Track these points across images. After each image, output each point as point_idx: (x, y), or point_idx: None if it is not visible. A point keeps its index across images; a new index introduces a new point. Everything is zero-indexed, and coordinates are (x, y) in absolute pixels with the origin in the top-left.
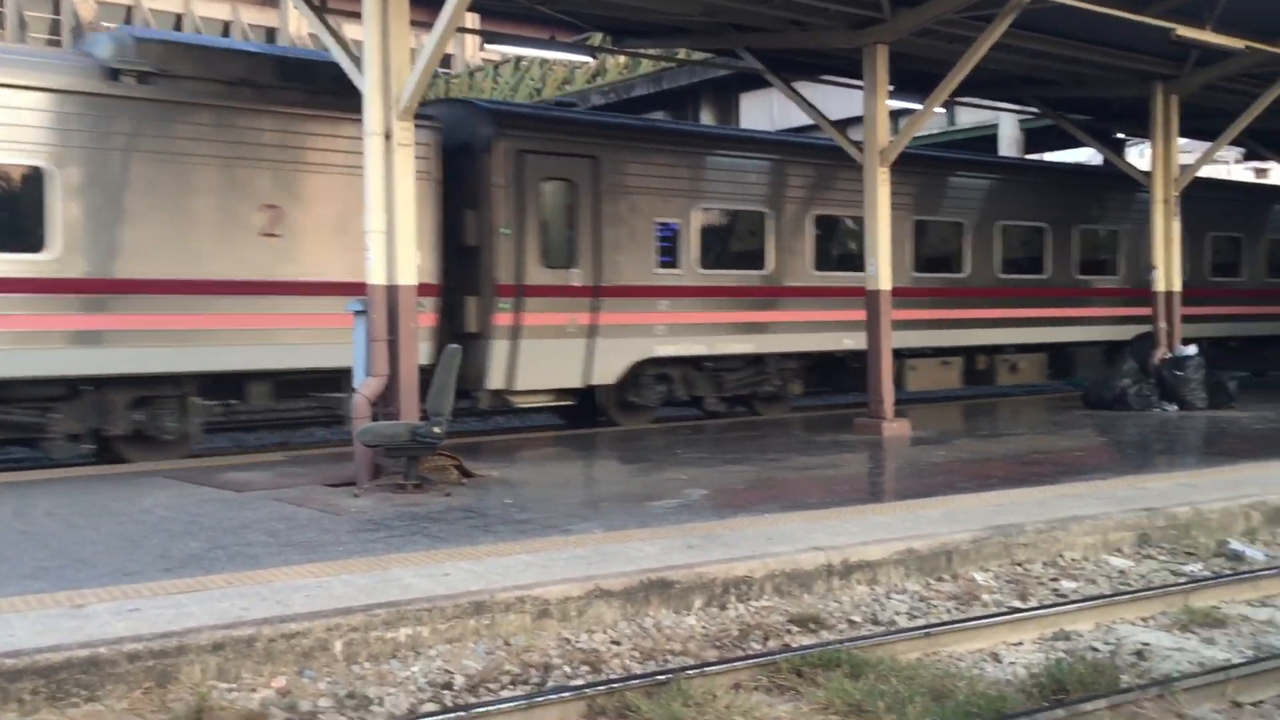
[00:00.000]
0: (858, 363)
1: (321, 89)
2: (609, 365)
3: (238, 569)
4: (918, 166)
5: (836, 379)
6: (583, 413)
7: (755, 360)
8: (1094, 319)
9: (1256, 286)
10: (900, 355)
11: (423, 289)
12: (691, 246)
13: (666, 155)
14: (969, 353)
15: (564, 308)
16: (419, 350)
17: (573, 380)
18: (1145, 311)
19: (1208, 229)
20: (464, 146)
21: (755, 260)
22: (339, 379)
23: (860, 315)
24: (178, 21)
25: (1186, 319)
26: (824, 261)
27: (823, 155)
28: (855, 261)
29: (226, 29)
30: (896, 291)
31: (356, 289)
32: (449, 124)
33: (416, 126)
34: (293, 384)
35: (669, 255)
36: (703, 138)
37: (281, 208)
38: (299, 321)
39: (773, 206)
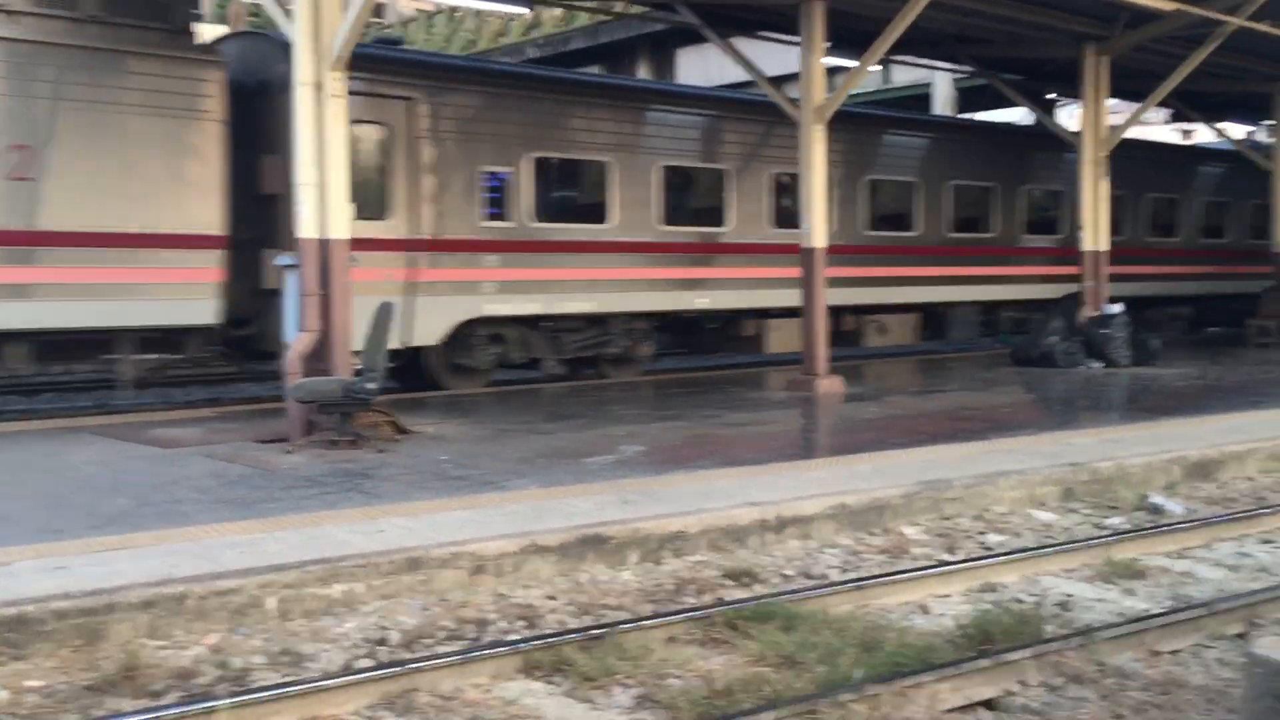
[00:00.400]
0: (713, 323)
1: (85, 14)
2: (431, 325)
3: (167, 526)
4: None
5: (696, 341)
6: (410, 376)
7: (598, 320)
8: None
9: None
10: (769, 315)
11: (208, 240)
12: (524, 198)
13: (494, 99)
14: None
15: (377, 263)
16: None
17: (389, 341)
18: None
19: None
20: (262, 85)
21: (596, 213)
22: (111, 341)
23: (716, 272)
24: None
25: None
26: (675, 216)
27: (674, 102)
28: (711, 216)
29: None
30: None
31: (134, 240)
32: (242, 59)
33: (197, 61)
34: (59, 346)
35: (498, 207)
36: (535, 81)
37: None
38: (56, 276)
39: (616, 156)
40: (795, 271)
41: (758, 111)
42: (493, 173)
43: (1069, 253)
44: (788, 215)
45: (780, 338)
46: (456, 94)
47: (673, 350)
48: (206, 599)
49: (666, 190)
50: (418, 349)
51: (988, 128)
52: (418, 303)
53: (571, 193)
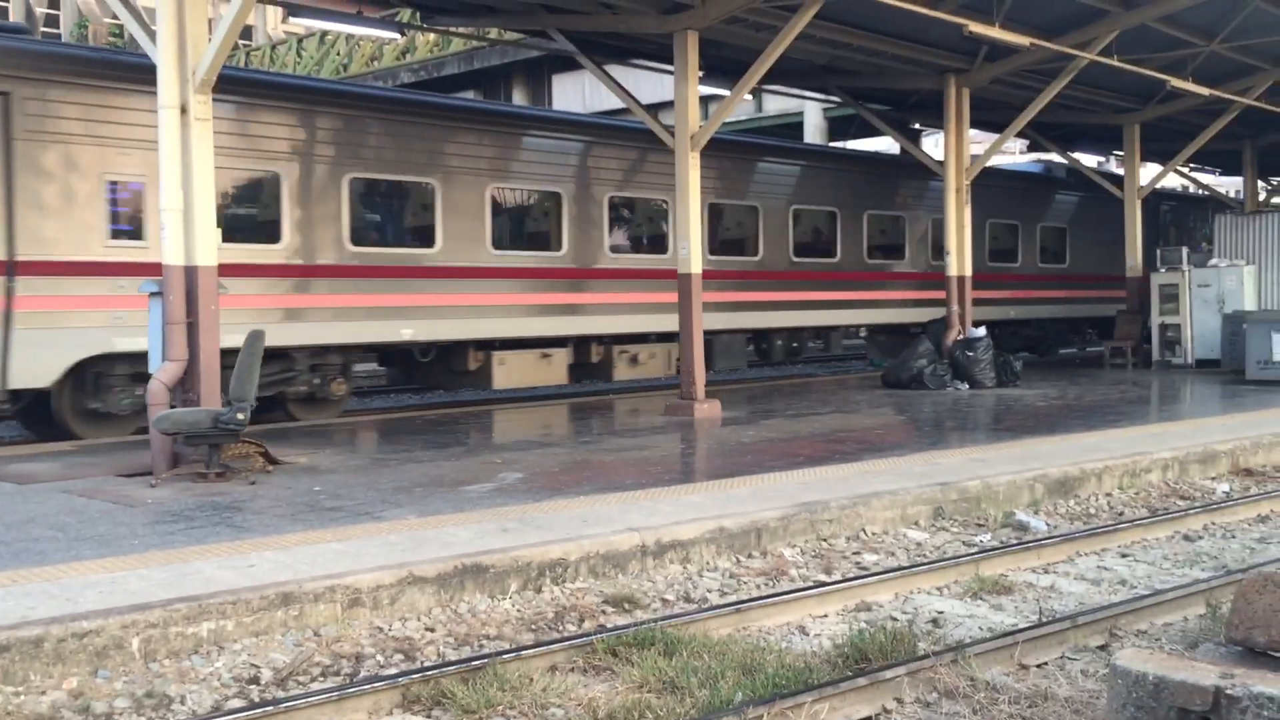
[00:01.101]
0: (426, 356)
1: None
2: (37, 364)
3: (22, 565)
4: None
5: (411, 373)
6: (40, 421)
7: (279, 355)
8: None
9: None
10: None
11: None
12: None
13: (122, 97)
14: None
15: None
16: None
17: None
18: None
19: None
20: None
21: (267, 232)
22: None
23: (427, 299)
24: None
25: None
26: (369, 236)
27: (357, 105)
28: (419, 236)
29: None
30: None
31: None
32: None
33: None
34: None
35: (130, 224)
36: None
37: None
38: None
39: (288, 168)
40: (527, 297)
41: (458, 118)
42: (122, 182)
43: (841, 276)
44: (522, 236)
45: (509, 372)
46: (69, 89)
47: (389, 389)
48: (65, 641)
49: (354, 206)
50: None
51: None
52: (14, 336)
53: (233, 206)
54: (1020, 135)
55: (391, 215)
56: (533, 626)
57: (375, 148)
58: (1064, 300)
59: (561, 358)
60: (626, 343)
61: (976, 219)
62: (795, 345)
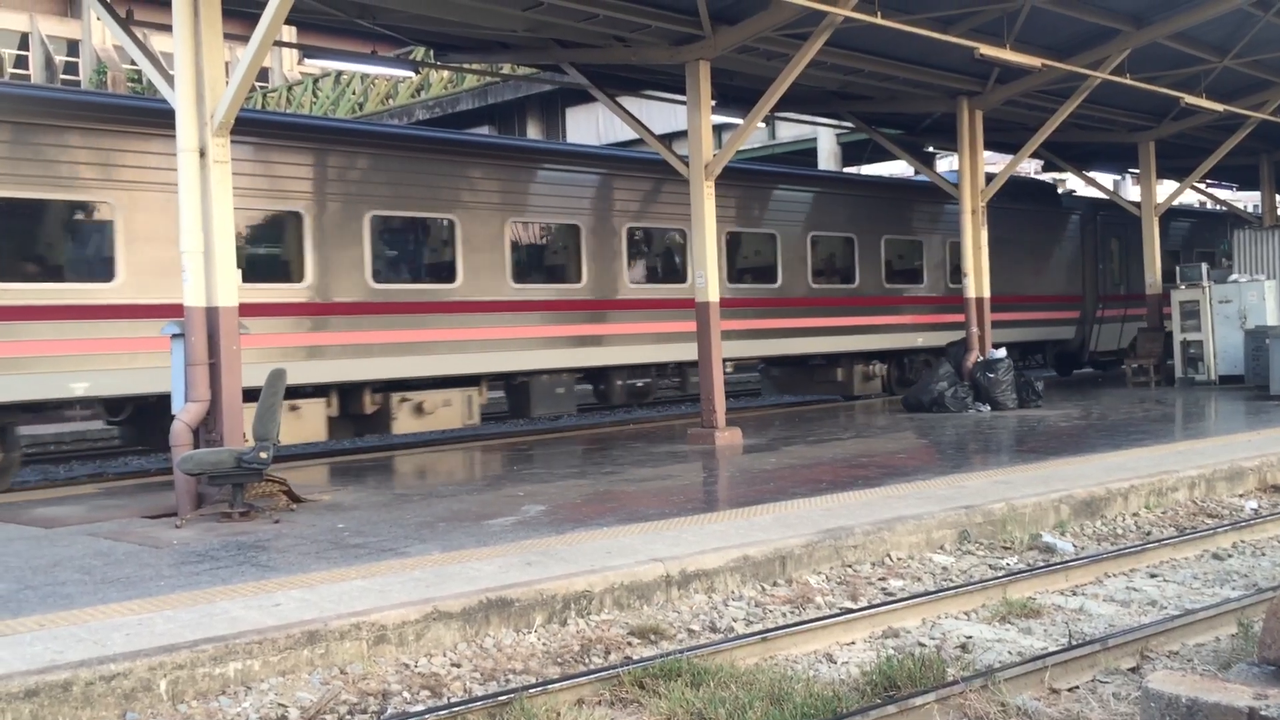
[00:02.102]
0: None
1: None
2: None
3: (50, 610)
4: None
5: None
6: None
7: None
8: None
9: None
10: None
11: None
12: None
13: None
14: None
15: None
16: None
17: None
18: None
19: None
20: None
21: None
22: None
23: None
24: None
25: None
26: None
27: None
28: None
29: (24, 40)
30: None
31: None
32: None
33: None
34: None
35: None
36: None
37: None
38: None
39: (117, 194)
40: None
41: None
42: None
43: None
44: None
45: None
46: None
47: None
48: (94, 685)
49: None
50: None
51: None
52: None
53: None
54: (1034, 155)
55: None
56: (559, 660)
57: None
58: (1012, 324)
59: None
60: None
61: (872, 238)
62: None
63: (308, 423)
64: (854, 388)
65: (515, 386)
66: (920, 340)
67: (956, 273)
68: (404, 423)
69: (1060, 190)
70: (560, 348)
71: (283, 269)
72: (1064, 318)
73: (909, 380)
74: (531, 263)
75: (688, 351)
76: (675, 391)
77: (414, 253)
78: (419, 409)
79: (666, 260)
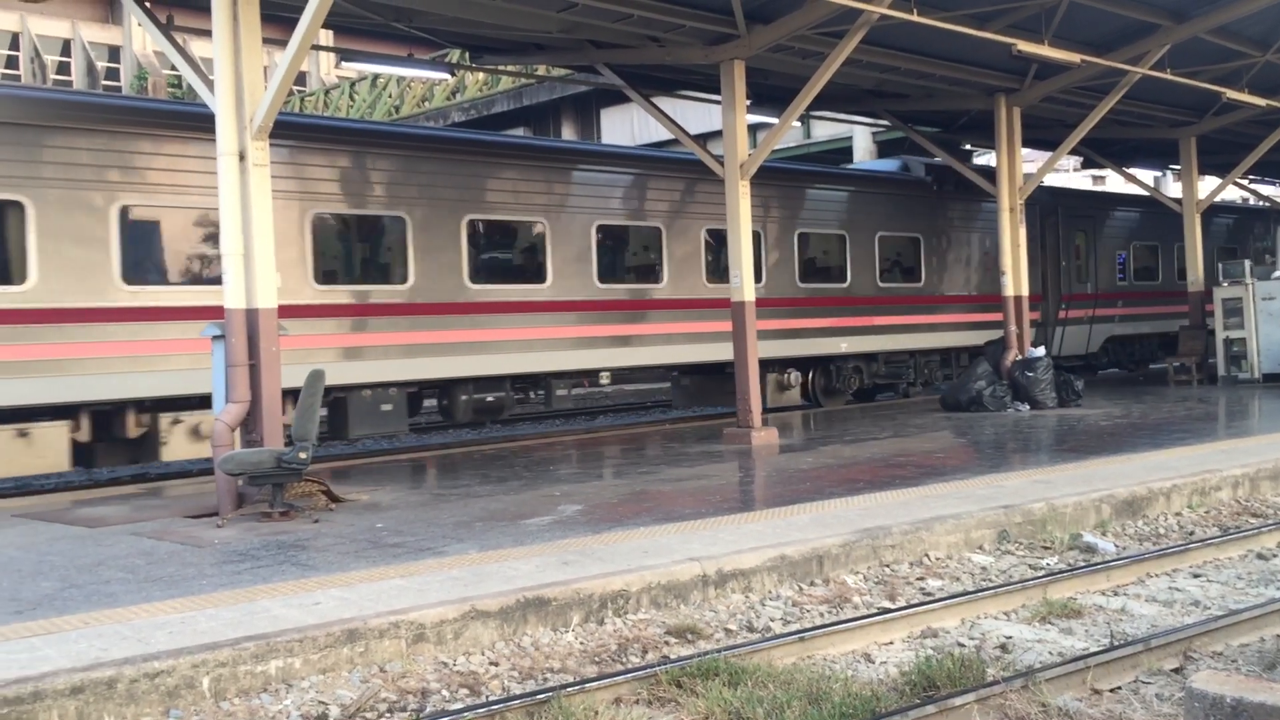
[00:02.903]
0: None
1: None
2: None
3: (95, 608)
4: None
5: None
6: None
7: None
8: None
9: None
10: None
11: None
12: None
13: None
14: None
15: None
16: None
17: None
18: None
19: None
20: None
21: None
22: None
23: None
24: (14, 40)
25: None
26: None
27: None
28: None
29: (66, 46)
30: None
31: None
32: None
33: None
34: None
35: None
36: None
37: None
38: None
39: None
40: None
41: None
42: None
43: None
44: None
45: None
46: None
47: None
48: (138, 682)
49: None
50: None
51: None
52: None
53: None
54: (1074, 152)
55: None
56: (596, 659)
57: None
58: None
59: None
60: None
61: (782, 231)
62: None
63: (41, 451)
64: (765, 398)
65: (331, 404)
66: (845, 345)
67: (896, 269)
68: (176, 448)
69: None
70: (380, 359)
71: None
72: (988, 320)
73: (836, 389)
74: (337, 262)
75: (546, 361)
76: (540, 408)
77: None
78: (196, 432)
79: (527, 257)
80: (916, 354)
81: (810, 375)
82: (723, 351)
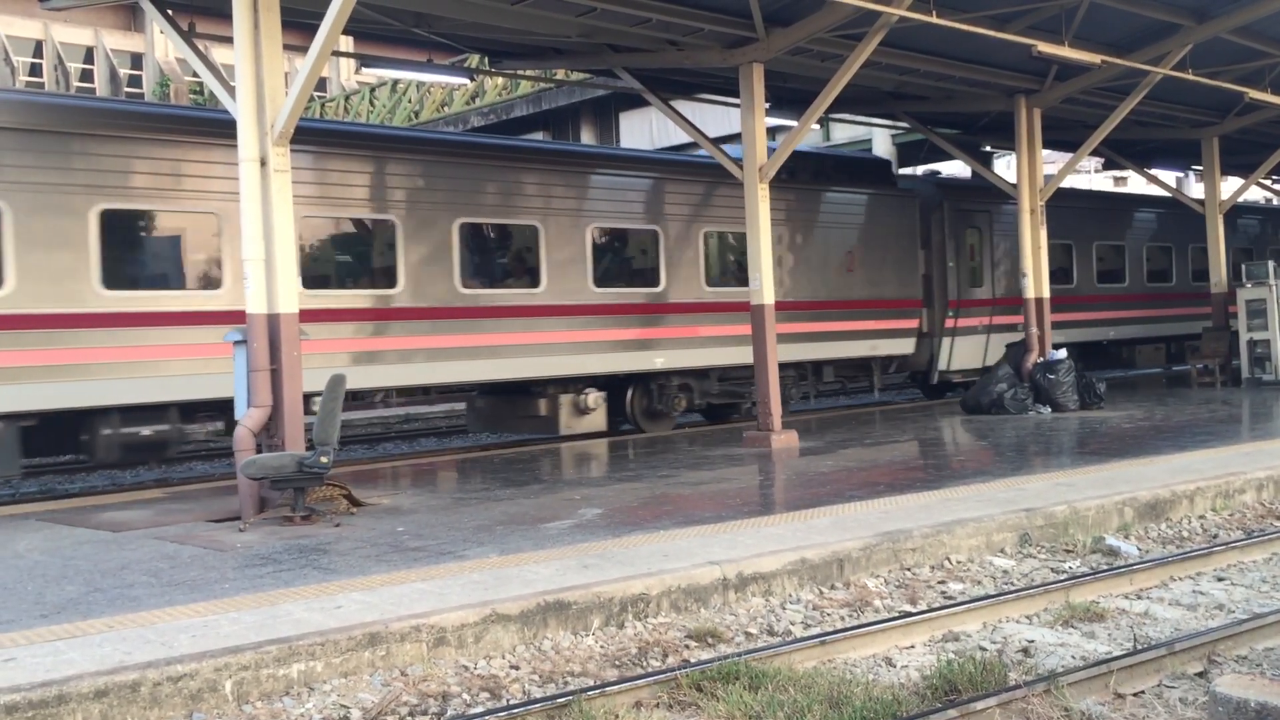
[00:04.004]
0: None
1: None
2: None
3: (118, 612)
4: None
5: None
6: None
7: None
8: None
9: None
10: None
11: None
12: None
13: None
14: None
15: None
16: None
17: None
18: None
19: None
20: None
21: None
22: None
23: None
24: (38, 47)
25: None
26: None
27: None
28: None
29: (89, 54)
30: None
31: None
32: None
33: None
34: None
35: None
36: None
37: None
38: None
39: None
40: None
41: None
42: None
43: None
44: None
45: None
46: None
47: None
48: (161, 685)
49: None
50: None
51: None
52: None
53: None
54: (1095, 153)
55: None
56: (616, 662)
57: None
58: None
59: None
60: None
61: (571, 226)
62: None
63: None
64: (559, 424)
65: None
66: (660, 361)
67: (730, 272)
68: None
69: (927, 170)
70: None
71: None
72: (893, 328)
73: (659, 411)
74: None
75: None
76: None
77: None
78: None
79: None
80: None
81: (630, 395)
82: (518, 368)
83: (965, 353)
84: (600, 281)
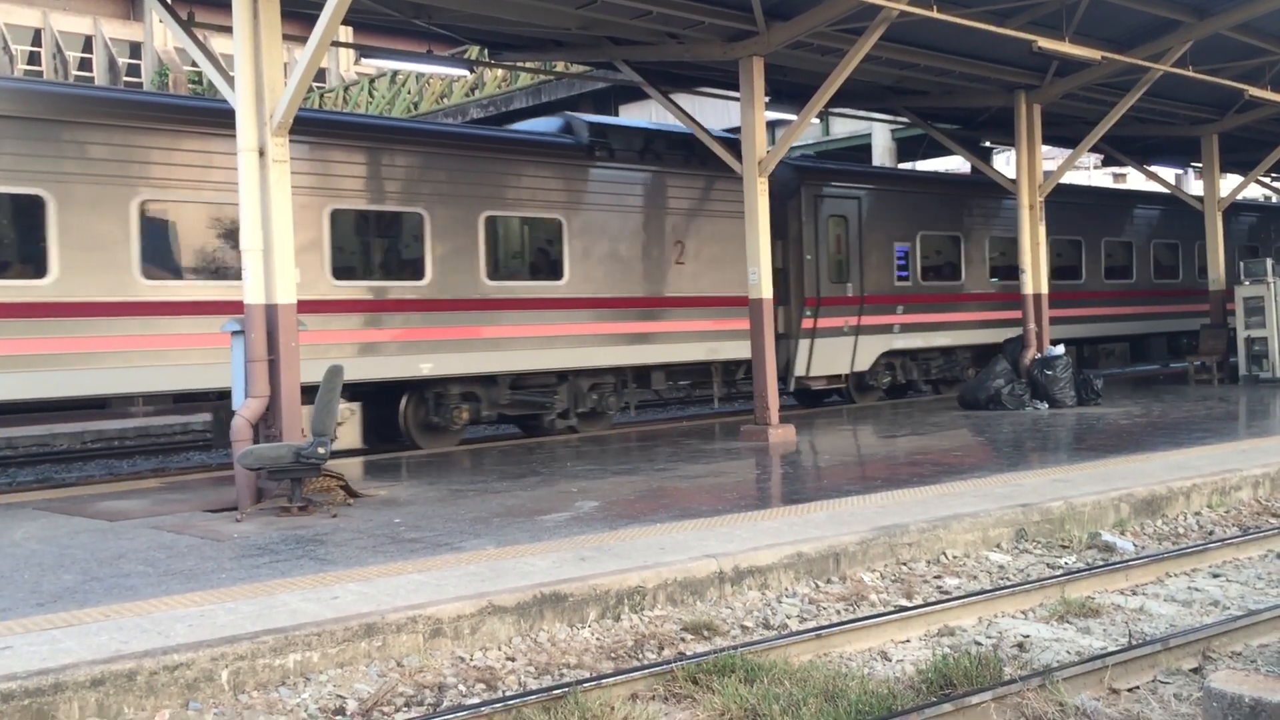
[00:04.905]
0: None
1: None
2: None
3: (115, 601)
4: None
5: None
6: None
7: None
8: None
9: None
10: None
11: None
12: None
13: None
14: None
15: None
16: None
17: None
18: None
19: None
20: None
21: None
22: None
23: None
24: (36, 35)
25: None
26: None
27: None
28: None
29: (88, 43)
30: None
31: None
32: None
33: None
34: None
35: None
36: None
37: None
38: None
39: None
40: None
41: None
42: None
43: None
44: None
45: None
46: None
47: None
48: (157, 674)
49: None
50: None
51: None
52: None
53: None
54: (1094, 150)
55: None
56: (612, 655)
57: None
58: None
59: None
60: None
61: (309, 208)
62: None
63: None
64: None
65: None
66: (427, 367)
67: (522, 263)
68: None
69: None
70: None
71: None
72: (738, 328)
73: (436, 425)
74: None
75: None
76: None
77: None
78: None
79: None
80: (575, 374)
81: (404, 406)
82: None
83: (828, 356)
84: (340, 274)
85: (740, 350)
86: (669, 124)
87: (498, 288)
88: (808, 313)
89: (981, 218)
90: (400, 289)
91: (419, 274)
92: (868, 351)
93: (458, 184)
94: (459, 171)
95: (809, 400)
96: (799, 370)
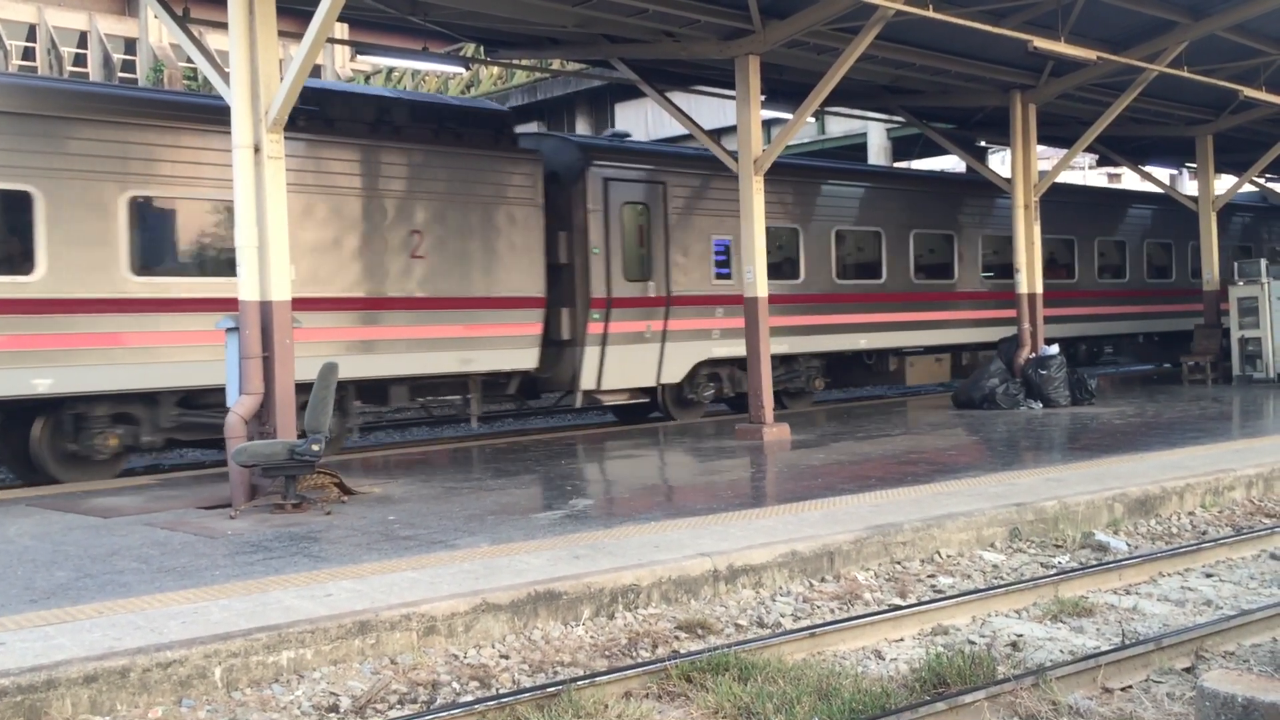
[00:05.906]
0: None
1: None
2: None
3: (108, 598)
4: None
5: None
6: None
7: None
8: None
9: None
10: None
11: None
12: None
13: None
14: None
15: None
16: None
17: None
18: None
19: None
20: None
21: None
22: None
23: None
24: (30, 31)
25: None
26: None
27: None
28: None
29: (83, 38)
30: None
31: None
32: None
33: None
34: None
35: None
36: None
37: None
38: None
39: None
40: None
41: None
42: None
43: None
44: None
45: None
46: None
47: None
48: (150, 671)
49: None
50: None
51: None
52: None
53: None
54: (1089, 150)
55: None
56: (606, 653)
57: None
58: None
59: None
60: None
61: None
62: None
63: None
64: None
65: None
66: (45, 384)
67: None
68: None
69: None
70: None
71: None
72: (499, 334)
73: (75, 454)
74: None
75: None
76: None
77: None
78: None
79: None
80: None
81: (39, 431)
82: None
83: (624, 366)
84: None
85: (500, 360)
86: (408, 92)
87: (144, 284)
88: (595, 315)
89: (838, 207)
90: (7, 284)
91: (30, 268)
92: (681, 360)
93: (86, 159)
94: (89, 141)
95: (629, 416)
96: (587, 383)
